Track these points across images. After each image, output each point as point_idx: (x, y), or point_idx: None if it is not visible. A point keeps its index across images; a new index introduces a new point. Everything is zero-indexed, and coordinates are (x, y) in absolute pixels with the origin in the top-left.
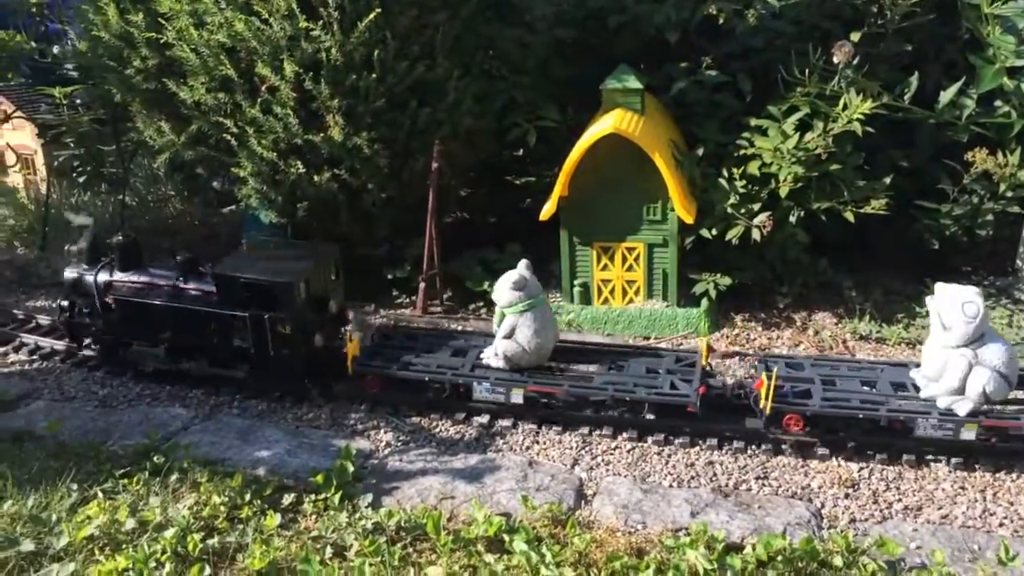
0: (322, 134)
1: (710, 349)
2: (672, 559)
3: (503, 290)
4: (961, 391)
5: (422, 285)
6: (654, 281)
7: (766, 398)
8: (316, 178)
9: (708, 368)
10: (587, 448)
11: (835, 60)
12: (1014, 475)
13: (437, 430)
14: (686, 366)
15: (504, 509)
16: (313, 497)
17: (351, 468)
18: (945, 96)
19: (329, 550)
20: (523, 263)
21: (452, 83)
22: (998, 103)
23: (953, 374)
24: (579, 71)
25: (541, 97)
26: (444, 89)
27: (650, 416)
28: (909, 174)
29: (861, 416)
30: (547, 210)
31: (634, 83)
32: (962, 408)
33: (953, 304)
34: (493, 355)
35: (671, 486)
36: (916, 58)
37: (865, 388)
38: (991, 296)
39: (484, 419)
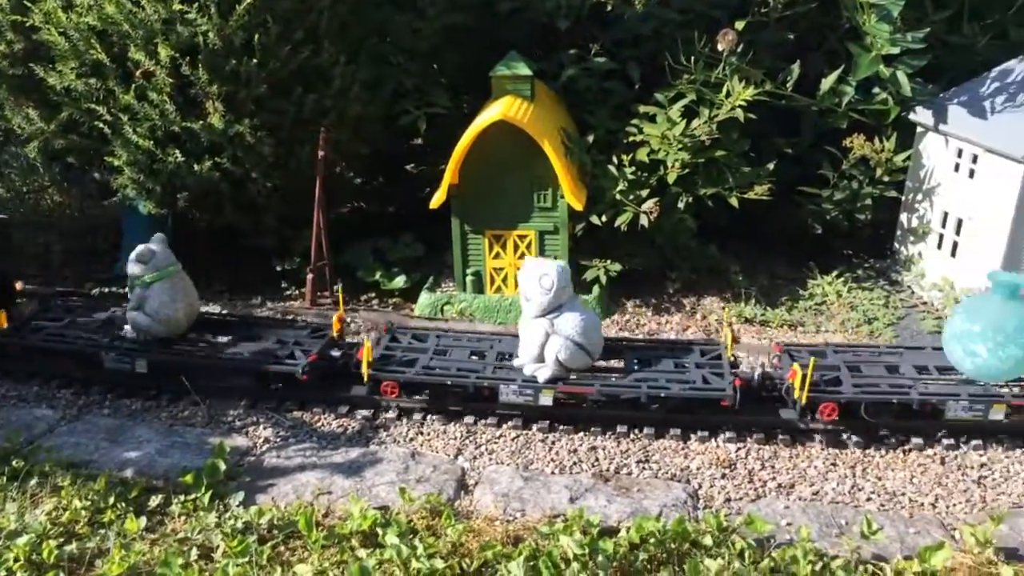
0: (201, 121)
1: (341, 322)
2: (546, 546)
3: (130, 264)
4: (541, 359)
5: (310, 276)
6: None
7: (368, 367)
8: (196, 167)
9: (340, 340)
10: (471, 437)
11: (719, 48)
12: (883, 451)
13: (319, 424)
14: (316, 338)
15: (383, 502)
16: (182, 498)
17: (223, 466)
18: (825, 83)
19: (195, 552)
20: (157, 236)
21: (339, 69)
22: (876, 90)
23: (532, 343)
24: (472, 58)
25: (432, 84)
26: (330, 75)
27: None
28: (793, 160)
29: (450, 383)
30: (437, 198)
31: (524, 70)
32: (541, 375)
33: (532, 277)
34: (127, 327)
35: (553, 473)
36: (800, 46)
37: (474, 358)
38: (871, 278)
39: (368, 412)
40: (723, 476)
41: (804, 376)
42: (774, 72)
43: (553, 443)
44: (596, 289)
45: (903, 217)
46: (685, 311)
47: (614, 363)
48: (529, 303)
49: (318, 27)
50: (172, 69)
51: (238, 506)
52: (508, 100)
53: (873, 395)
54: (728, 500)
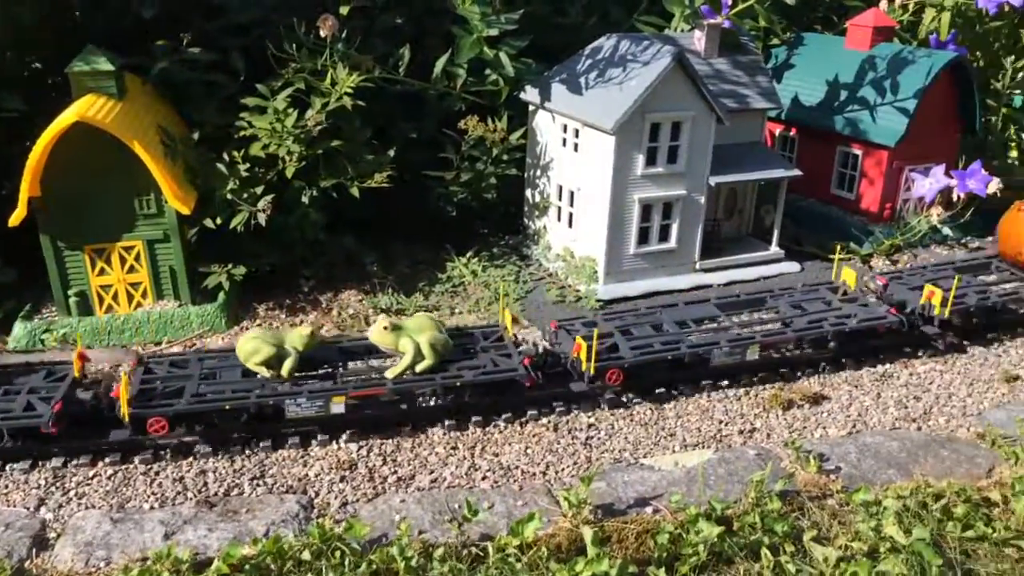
0: None
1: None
2: None
3: None
4: None
5: None
6: (161, 280)
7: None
8: None
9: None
10: (59, 483)
11: (322, 34)
12: (502, 426)
13: None
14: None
15: None
16: None
17: None
18: (437, 67)
19: None
20: None
21: None
22: (488, 71)
23: None
24: (51, 54)
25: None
26: None
27: None
28: (424, 145)
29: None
30: (17, 214)
31: (104, 65)
32: None
33: None
34: None
35: (152, 508)
36: (418, 30)
37: None
38: (504, 255)
39: None
40: (342, 479)
41: None
42: (389, 57)
43: (157, 474)
44: (222, 296)
45: (527, 193)
46: (321, 308)
47: None
48: None
49: None
50: None
51: None
52: (88, 99)
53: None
54: (345, 504)
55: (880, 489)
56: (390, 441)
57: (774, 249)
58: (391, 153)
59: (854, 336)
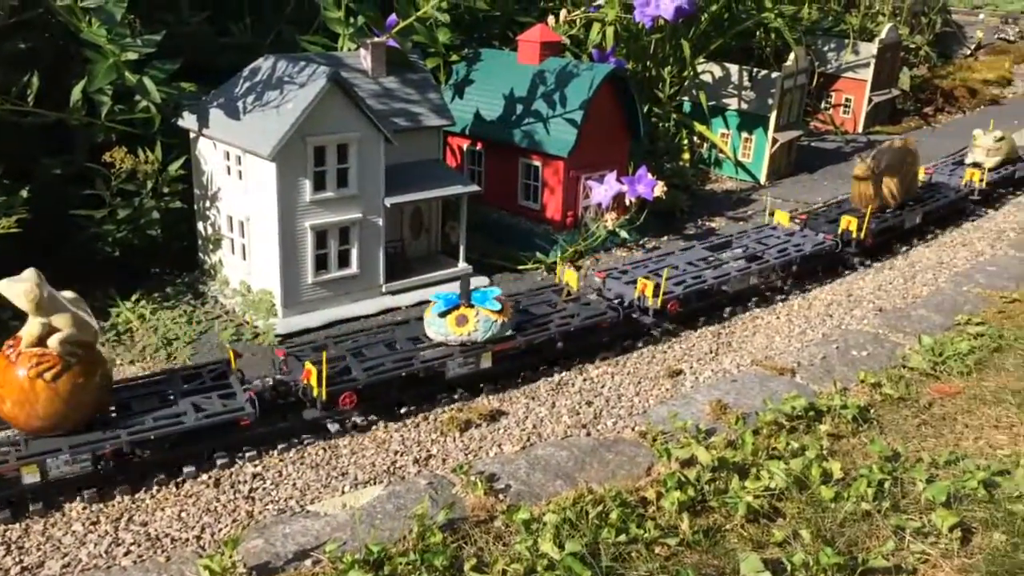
0: None
1: None
2: None
3: None
4: None
5: None
6: None
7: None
8: None
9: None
10: None
11: None
12: (155, 490)
13: None
14: None
15: None
16: None
17: None
18: (74, 94)
19: None
20: None
21: None
22: (138, 98)
23: None
24: None
25: None
26: None
27: None
28: (75, 181)
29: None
30: None
31: None
32: None
33: None
34: None
35: None
36: (62, 55)
37: None
38: (179, 294)
39: None
40: None
41: None
42: (14, 85)
43: None
44: None
45: (199, 226)
46: None
47: None
48: None
49: None
50: None
51: None
52: None
53: None
54: None
55: (544, 504)
56: (17, 525)
57: (462, 264)
58: (24, 193)
59: None
